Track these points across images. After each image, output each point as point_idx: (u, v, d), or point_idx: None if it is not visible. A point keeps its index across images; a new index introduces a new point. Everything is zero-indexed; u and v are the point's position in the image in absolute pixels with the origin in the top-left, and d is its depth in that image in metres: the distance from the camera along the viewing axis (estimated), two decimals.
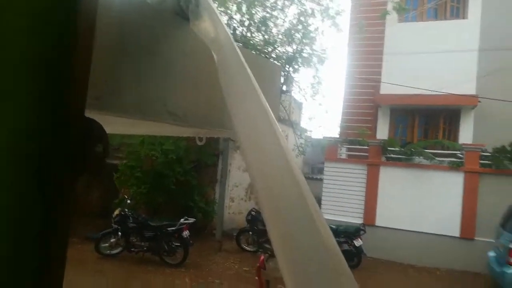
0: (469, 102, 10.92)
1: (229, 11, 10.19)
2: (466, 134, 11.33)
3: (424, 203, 10.06)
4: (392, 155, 10.85)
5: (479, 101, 10.75)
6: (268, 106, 0.84)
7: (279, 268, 0.72)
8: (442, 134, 11.72)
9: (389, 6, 10.42)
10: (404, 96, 10.96)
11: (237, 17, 10.59)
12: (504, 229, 7.54)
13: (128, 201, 9.53)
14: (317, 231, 0.72)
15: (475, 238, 9.57)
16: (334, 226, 8.89)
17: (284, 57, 10.79)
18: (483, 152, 10.02)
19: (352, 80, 13.10)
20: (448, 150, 10.64)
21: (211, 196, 11.43)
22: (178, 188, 10.48)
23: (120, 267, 8.16)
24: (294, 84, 12.10)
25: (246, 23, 10.53)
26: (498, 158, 9.78)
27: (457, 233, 9.79)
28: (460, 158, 10.19)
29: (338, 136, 12.46)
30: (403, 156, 10.66)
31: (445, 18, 11.95)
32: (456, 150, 10.44)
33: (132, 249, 8.58)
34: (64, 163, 0.48)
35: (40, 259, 0.46)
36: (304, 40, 10.62)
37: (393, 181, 10.52)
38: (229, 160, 11.38)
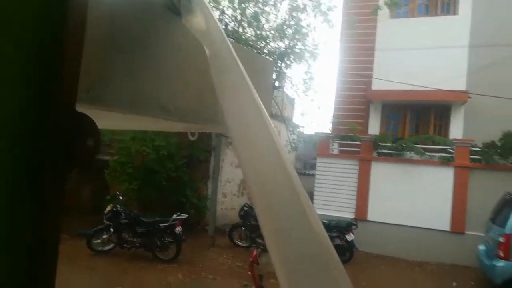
0: (459, 98, 11.03)
1: (221, 6, 10.14)
2: (456, 130, 11.45)
3: (415, 198, 10.16)
4: (384, 151, 10.94)
5: (469, 97, 10.86)
6: (260, 101, 0.84)
7: (271, 263, 0.72)
8: (433, 130, 11.83)
9: (381, 1, 10.44)
10: (396, 91, 11.04)
11: (229, 12, 10.55)
12: (494, 223, 7.65)
13: (120, 197, 9.48)
14: (310, 226, 0.72)
15: (465, 232, 9.70)
16: (326, 221, 8.96)
17: (276, 52, 10.78)
18: (473, 147, 10.14)
19: (344, 75, 13.14)
20: (438, 145, 10.74)
21: (204, 192, 11.43)
22: (170, 184, 10.46)
23: (113, 263, 8.13)
24: (286, 79, 12.12)
25: (238, 18, 10.49)
26: (487, 153, 9.90)
27: (447, 227, 9.91)
28: (450, 153, 10.30)
29: (330, 131, 12.50)
30: (394, 152, 10.75)
31: (436, 14, 12.03)
32: (447, 146, 10.55)
33: (124, 245, 8.55)
34: (54, 159, 0.48)
35: (31, 257, 0.46)
36: (296, 36, 10.62)
37: (385, 176, 10.61)
38: (222, 156, 11.37)
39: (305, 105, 25.15)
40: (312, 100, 17.12)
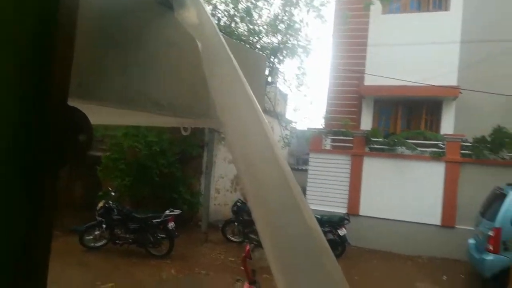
0: (451, 93, 11.11)
1: (213, 1, 10.08)
2: (447, 125, 11.56)
3: (406, 192, 10.25)
4: (376, 146, 11.00)
5: (460, 92, 10.95)
6: (253, 96, 0.84)
7: (265, 257, 0.73)
8: (424, 125, 11.93)
9: None
10: (388, 87, 11.09)
11: (222, 7, 10.49)
12: (484, 217, 7.75)
13: (113, 194, 9.44)
14: (304, 221, 0.73)
15: (456, 226, 9.82)
16: (318, 216, 8.99)
17: (269, 47, 10.76)
18: (464, 143, 10.24)
19: (336, 71, 13.17)
20: (430, 140, 10.83)
21: (197, 188, 11.41)
22: (163, 180, 10.43)
23: (105, 260, 8.10)
24: (279, 75, 12.12)
25: (231, 12, 10.44)
26: (478, 148, 10.00)
27: (438, 222, 10.02)
28: (441, 148, 10.39)
29: (322, 127, 12.54)
30: (386, 147, 10.81)
31: (428, 10, 12.08)
32: (438, 141, 10.64)
33: (117, 241, 8.53)
34: (46, 154, 0.47)
35: (23, 253, 0.45)
36: (289, 31, 10.61)
37: (377, 171, 10.68)
38: (215, 152, 11.36)
39: (298, 101, 25.33)
40: (305, 96, 17.27)
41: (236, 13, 10.37)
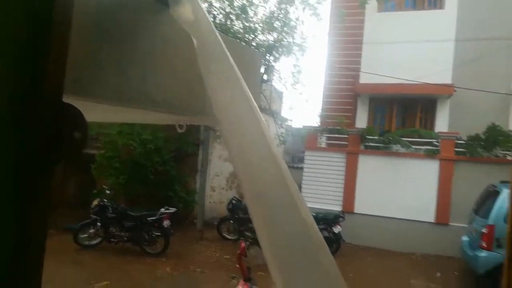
0: (445, 91, 11.17)
1: None
2: (442, 123, 11.62)
3: (401, 190, 10.30)
4: (371, 144, 11.04)
5: (455, 90, 11.01)
6: (249, 93, 0.84)
7: (261, 255, 0.73)
8: (419, 123, 11.98)
9: None
10: (383, 85, 11.13)
11: (217, 4, 10.46)
12: (477, 214, 7.81)
13: (107, 192, 9.40)
14: (301, 218, 0.73)
15: (450, 224, 9.89)
16: (313, 214, 9.01)
17: (264, 45, 10.74)
18: (458, 140, 10.30)
19: (332, 69, 13.18)
20: (424, 138, 10.88)
21: (192, 186, 11.39)
22: (158, 178, 10.40)
23: (100, 258, 8.07)
24: (274, 73, 12.10)
25: (227, 10, 10.41)
26: (472, 146, 10.07)
27: (432, 219, 10.08)
28: (436, 146, 10.45)
29: (318, 125, 12.56)
30: (381, 145, 10.86)
31: (423, 8, 12.13)
32: (432, 139, 10.70)
33: (111, 240, 8.50)
34: (40, 151, 0.47)
35: (18, 251, 0.45)
36: (284, 29, 10.59)
37: (371, 169, 10.72)
38: (210, 150, 11.34)
39: (293, 99, 25.34)
40: (300, 94, 17.21)
41: (231, 10, 10.33)
